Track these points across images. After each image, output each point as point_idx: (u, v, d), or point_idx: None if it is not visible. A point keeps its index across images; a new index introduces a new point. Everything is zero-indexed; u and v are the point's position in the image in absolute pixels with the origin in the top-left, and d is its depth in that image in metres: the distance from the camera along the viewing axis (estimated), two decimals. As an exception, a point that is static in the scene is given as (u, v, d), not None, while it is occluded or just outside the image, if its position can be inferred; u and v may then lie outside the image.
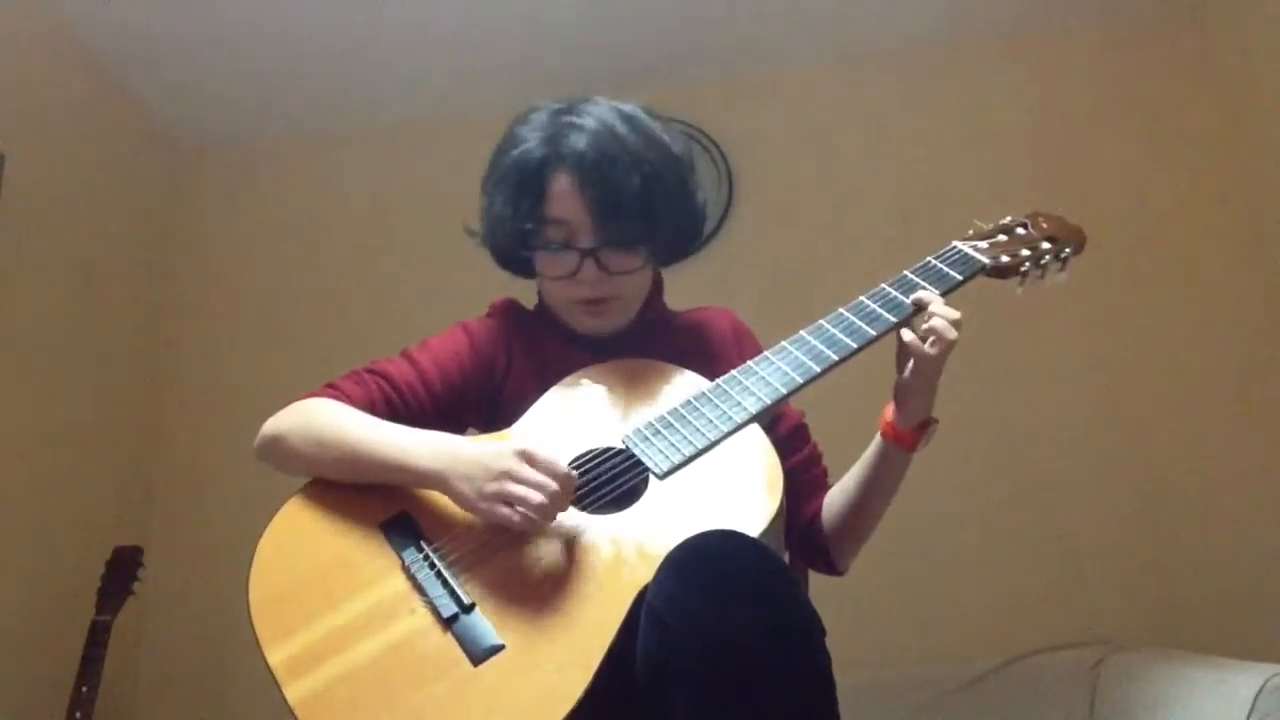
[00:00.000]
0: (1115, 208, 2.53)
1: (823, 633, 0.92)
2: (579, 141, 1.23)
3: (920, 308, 1.19)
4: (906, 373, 1.18)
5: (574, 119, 1.26)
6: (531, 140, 1.26)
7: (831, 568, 1.33)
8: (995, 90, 2.77)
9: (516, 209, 1.25)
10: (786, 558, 1.23)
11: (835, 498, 1.32)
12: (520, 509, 1.03)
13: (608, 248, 1.24)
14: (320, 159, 2.98)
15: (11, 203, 2.27)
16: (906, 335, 1.17)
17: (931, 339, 1.15)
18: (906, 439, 1.22)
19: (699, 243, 1.40)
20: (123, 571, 2.22)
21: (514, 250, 1.31)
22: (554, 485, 1.04)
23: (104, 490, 2.56)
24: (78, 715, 2.03)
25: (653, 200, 1.24)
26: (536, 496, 1.03)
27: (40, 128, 2.42)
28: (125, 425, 2.68)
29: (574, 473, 1.07)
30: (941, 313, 1.17)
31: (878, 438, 1.25)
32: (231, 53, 2.68)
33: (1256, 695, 1.55)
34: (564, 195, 1.23)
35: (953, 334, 1.15)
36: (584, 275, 1.25)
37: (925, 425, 1.22)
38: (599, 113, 1.27)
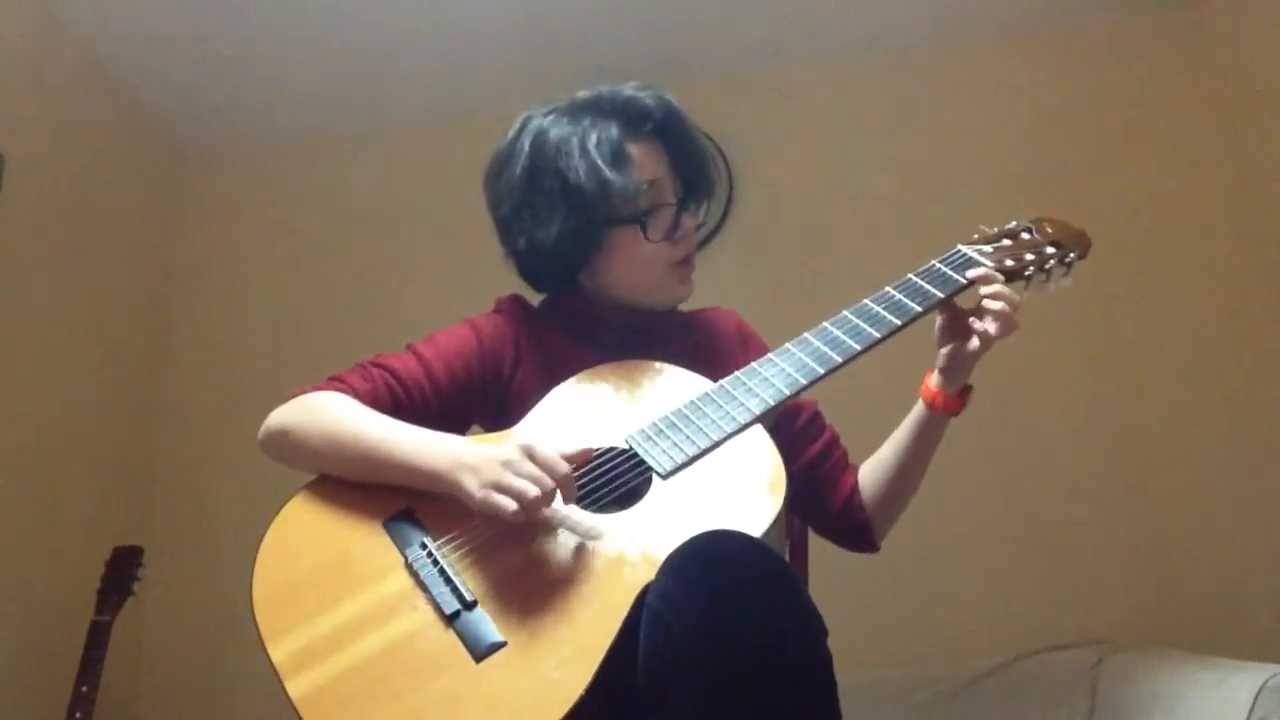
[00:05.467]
0: (1114, 208, 2.52)
1: (825, 633, 0.92)
2: (645, 100, 1.30)
3: (975, 284, 1.23)
4: (968, 345, 1.22)
5: (610, 96, 1.31)
6: (591, 136, 1.27)
7: (871, 544, 1.36)
8: (995, 90, 2.76)
9: (607, 197, 1.24)
10: (787, 556, 1.24)
11: (873, 473, 1.34)
12: (512, 499, 1.03)
13: (689, 200, 1.33)
14: (322, 159, 2.98)
15: (11, 203, 2.27)
16: (977, 325, 1.21)
17: (994, 322, 1.20)
18: (953, 404, 1.27)
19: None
20: (123, 572, 2.22)
21: (584, 251, 1.29)
22: (550, 483, 1.03)
23: (104, 490, 2.56)
24: (78, 715, 2.03)
25: (709, 156, 1.36)
26: (532, 491, 1.02)
27: (40, 128, 2.42)
28: (125, 425, 2.68)
29: (575, 465, 1.07)
30: (1004, 297, 1.21)
31: (919, 406, 1.29)
32: (234, 53, 2.68)
33: (1256, 695, 1.55)
34: (647, 156, 1.29)
35: (1015, 320, 1.21)
36: (684, 223, 1.31)
37: (967, 390, 1.28)
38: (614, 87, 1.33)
